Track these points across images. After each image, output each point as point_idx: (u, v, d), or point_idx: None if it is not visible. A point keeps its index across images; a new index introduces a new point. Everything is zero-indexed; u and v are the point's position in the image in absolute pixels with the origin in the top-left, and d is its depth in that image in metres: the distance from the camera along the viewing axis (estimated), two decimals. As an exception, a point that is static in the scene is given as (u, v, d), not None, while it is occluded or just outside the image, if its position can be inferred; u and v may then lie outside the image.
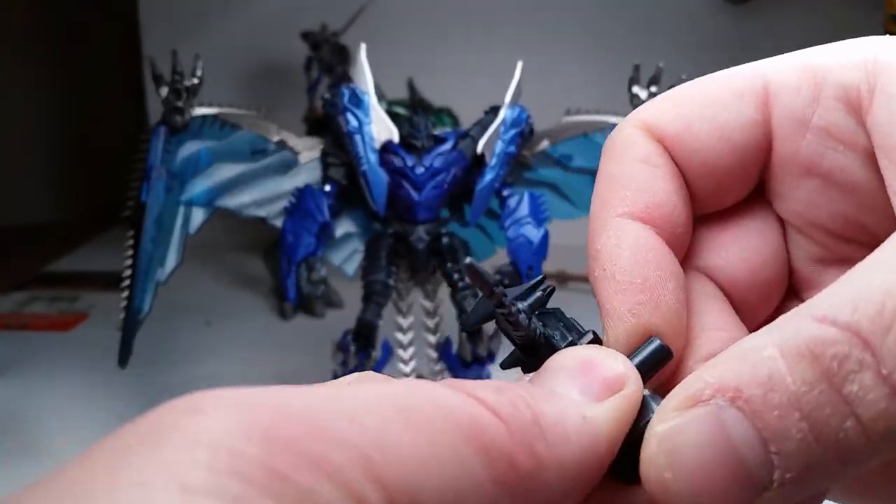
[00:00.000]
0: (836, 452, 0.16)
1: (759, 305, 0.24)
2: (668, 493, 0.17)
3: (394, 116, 0.65)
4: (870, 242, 0.21)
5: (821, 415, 0.16)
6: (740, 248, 0.24)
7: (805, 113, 0.22)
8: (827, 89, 0.22)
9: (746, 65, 0.24)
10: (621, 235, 0.22)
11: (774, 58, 0.24)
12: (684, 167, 0.23)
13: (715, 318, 0.23)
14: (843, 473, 0.17)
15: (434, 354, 0.68)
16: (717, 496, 0.17)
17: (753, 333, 0.18)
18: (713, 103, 0.23)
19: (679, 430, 0.17)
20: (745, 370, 0.17)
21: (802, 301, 0.20)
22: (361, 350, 0.64)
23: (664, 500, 0.17)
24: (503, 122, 0.63)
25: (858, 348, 0.16)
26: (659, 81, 0.66)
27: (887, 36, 0.22)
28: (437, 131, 0.64)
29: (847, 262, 0.20)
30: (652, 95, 0.66)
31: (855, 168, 0.22)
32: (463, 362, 0.65)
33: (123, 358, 0.60)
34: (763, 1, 1.11)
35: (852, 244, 0.23)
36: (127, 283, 0.62)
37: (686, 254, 0.24)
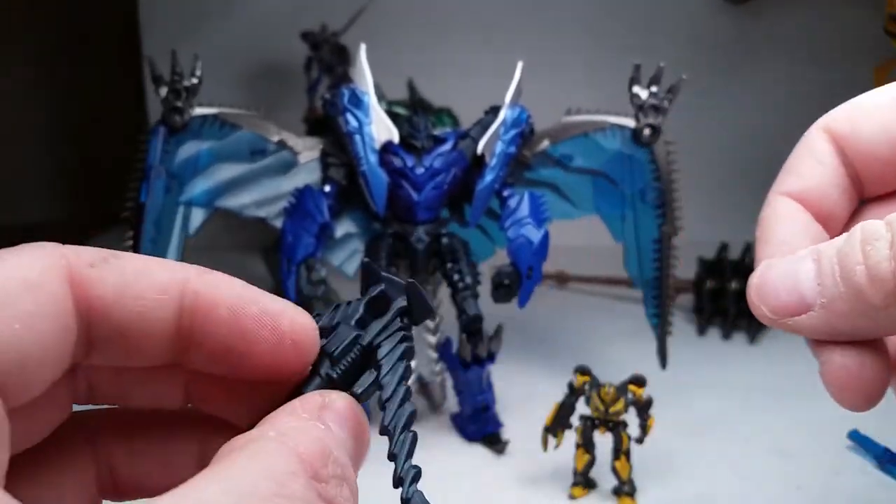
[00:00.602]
0: (850, 288, 0.24)
1: None
2: (751, 291, 0.27)
3: (394, 117, 0.65)
4: None
5: (845, 259, 0.25)
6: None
7: None
8: None
9: None
10: (777, 208, 0.30)
11: None
12: (854, 160, 0.30)
13: None
14: (857, 313, 0.25)
15: (434, 355, 0.68)
16: (775, 301, 0.26)
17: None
18: (879, 107, 0.30)
19: (772, 265, 0.27)
20: (823, 247, 0.26)
21: None
22: None
23: (750, 298, 0.27)
24: (503, 122, 0.63)
25: (886, 228, 0.24)
26: (659, 81, 0.66)
27: None
28: (437, 131, 0.64)
29: None
30: (652, 95, 0.66)
31: None
32: (462, 362, 0.65)
33: None
34: (763, 1, 1.11)
35: None
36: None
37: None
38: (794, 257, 0.27)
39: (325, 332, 0.24)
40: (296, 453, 0.20)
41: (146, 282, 0.22)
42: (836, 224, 0.30)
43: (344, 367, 0.23)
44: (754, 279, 0.27)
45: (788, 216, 0.30)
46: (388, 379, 0.23)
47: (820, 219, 0.30)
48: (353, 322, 0.24)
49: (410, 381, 0.68)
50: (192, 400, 0.25)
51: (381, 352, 0.23)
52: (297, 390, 0.23)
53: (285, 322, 0.22)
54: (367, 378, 0.23)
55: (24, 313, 0.19)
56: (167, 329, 0.22)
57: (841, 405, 0.27)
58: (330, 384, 0.23)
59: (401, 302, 0.24)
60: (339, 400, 0.22)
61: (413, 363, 0.68)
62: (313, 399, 0.22)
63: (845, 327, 0.25)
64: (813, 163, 0.30)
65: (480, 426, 0.66)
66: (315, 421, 0.21)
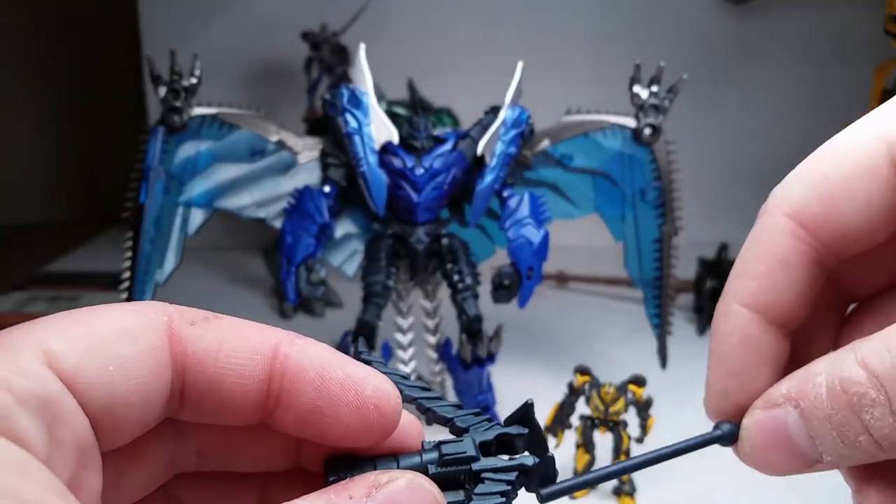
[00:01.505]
0: (857, 452, 0.23)
1: None
2: (754, 463, 0.25)
3: (393, 117, 0.65)
4: None
5: (843, 430, 0.23)
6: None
7: None
8: None
9: (866, 121, 0.26)
10: (735, 323, 0.27)
11: (890, 113, 0.26)
12: (829, 240, 0.26)
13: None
14: (870, 460, 0.23)
15: (434, 355, 0.68)
16: (780, 465, 0.25)
17: (818, 359, 0.24)
18: (849, 185, 0.25)
19: (759, 422, 0.25)
20: (803, 388, 0.24)
21: None
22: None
23: (752, 466, 0.26)
24: (503, 122, 0.63)
25: (875, 390, 0.22)
26: (660, 81, 0.66)
27: None
28: (437, 131, 0.64)
29: None
30: (653, 95, 0.66)
31: None
32: (462, 363, 0.65)
33: None
34: (763, 1, 1.11)
35: None
36: (126, 284, 0.62)
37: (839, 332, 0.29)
38: (774, 413, 0.25)
39: (454, 430, 0.25)
40: None
41: (241, 343, 0.23)
42: (796, 322, 0.27)
43: (443, 473, 0.24)
44: (745, 447, 0.26)
45: (743, 336, 0.26)
46: None
47: (779, 324, 0.26)
48: (479, 440, 0.25)
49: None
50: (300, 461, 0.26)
51: (480, 488, 0.24)
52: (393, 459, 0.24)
53: (369, 388, 0.23)
54: (452, 497, 0.24)
55: (120, 357, 0.21)
56: (258, 389, 0.23)
57: None
58: (424, 473, 0.24)
59: (528, 461, 0.25)
60: (399, 480, 0.23)
61: (413, 364, 0.67)
62: (367, 478, 0.23)
63: (857, 464, 0.24)
64: (774, 265, 0.26)
65: (480, 426, 0.66)
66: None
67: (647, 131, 0.66)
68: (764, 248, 0.26)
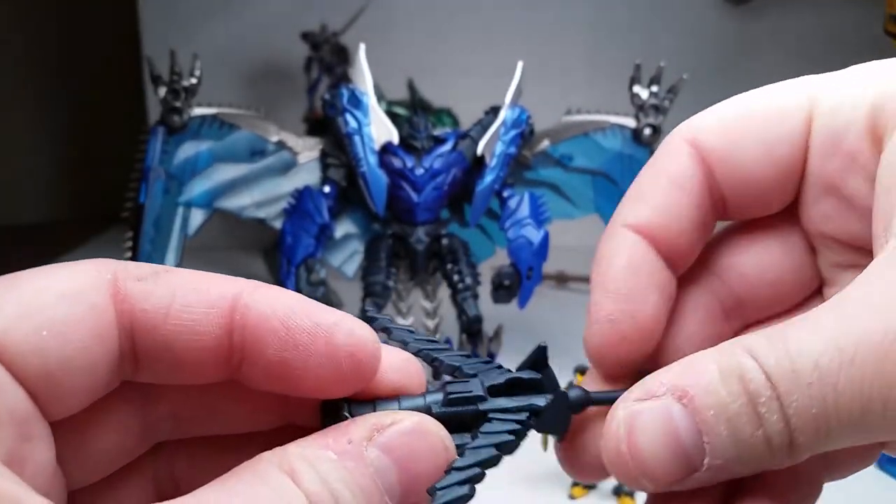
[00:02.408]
0: (748, 452, 0.21)
1: (774, 304, 0.27)
2: (622, 463, 0.21)
3: (393, 117, 0.65)
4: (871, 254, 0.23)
5: (739, 422, 0.20)
6: (759, 254, 0.26)
7: (838, 137, 0.24)
8: (859, 117, 0.23)
9: (796, 80, 0.25)
10: (621, 246, 0.25)
11: (825, 74, 0.25)
12: (725, 182, 0.25)
13: (698, 325, 0.26)
14: (749, 470, 0.21)
15: (434, 355, 0.68)
16: (659, 469, 0.21)
17: (705, 350, 0.22)
18: (761, 121, 0.25)
19: (636, 414, 0.21)
20: (692, 376, 0.21)
21: (824, 299, 0.25)
22: None
23: (618, 470, 0.22)
24: (503, 123, 0.63)
25: (768, 386, 0.20)
26: (660, 81, 0.66)
27: None
28: (437, 132, 0.64)
29: (858, 267, 0.23)
30: (653, 95, 0.66)
31: (868, 195, 0.24)
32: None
33: None
34: (763, 2, 1.11)
35: (860, 253, 0.25)
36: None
37: (705, 256, 0.27)
38: (656, 405, 0.21)
39: (462, 375, 0.24)
40: (295, 494, 0.19)
41: (195, 296, 0.21)
42: (683, 260, 0.26)
43: (448, 413, 0.23)
44: (621, 445, 0.22)
45: (629, 258, 0.25)
46: (473, 453, 0.22)
47: (667, 254, 0.25)
48: (487, 384, 0.23)
49: None
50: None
51: (487, 427, 0.23)
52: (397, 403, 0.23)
53: (340, 334, 0.21)
54: (458, 440, 0.22)
55: (53, 321, 0.20)
56: (216, 344, 0.21)
57: None
58: (428, 414, 0.22)
59: (539, 401, 0.23)
60: (404, 422, 0.21)
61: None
62: (368, 420, 0.21)
63: (733, 476, 0.22)
64: (668, 187, 0.25)
65: (480, 426, 0.66)
66: (347, 456, 0.20)
67: (648, 131, 0.66)
68: (660, 169, 0.25)
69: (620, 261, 0.25)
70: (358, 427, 0.21)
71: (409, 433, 0.21)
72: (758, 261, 0.27)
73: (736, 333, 0.27)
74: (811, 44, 1.11)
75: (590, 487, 0.59)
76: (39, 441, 0.20)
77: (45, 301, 0.20)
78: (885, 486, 0.60)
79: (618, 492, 0.58)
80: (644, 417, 0.21)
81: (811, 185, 0.25)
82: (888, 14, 0.82)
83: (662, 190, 0.25)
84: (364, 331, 0.22)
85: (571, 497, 0.59)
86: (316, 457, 0.20)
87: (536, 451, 0.60)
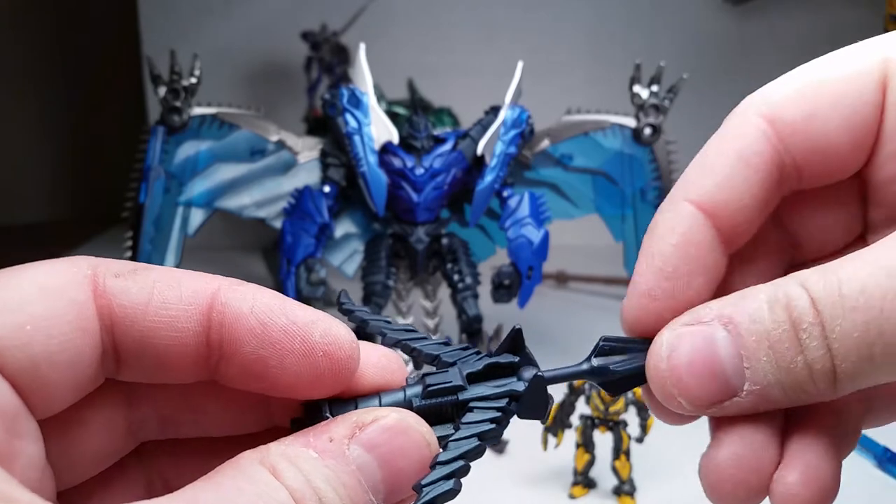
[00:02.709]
0: (788, 379, 0.21)
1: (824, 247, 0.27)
2: (660, 381, 0.22)
3: (393, 117, 0.65)
4: None
5: (781, 347, 0.21)
6: (820, 216, 0.26)
7: None
8: None
9: (866, 42, 0.24)
10: (678, 220, 0.24)
11: (894, 34, 0.24)
12: (801, 154, 0.24)
13: (756, 278, 0.26)
14: (791, 399, 0.21)
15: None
16: (696, 389, 0.22)
17: (759, 285, 0.22)
18: (838, 89, 0.24)
19: (681, 336, 0.22)
20: (740, 305, 0.22)
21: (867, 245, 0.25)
22: None
23: (657, 387, 0.22)
24: (503, 122, 0.63)
25: (813, 313, 0.21)
26: (660, 81, 0.66)
27: None
28: (437, 131, 0.64)
29: None
30: (653, 95, 0.66)
31: None
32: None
33: None
34: (763, 2, 1.11)
35: None
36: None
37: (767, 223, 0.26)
38: (701, 329, 0.22)
39: (440, 365, 0.24)
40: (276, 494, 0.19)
41: (173, 293, 0.21)
42: (740, 237, 0.25)
43: (428, 406, 0.23)
44: (661, 363, 0.22)
45: (683, 234, 0.24)
46: (456, 445, 0.22)
47: (725, 231, 0.24)
48: (466, 372, 0.23)
49: None
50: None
51: (468, 417, 0.22)
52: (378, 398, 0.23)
53: (316, 333, 0.21)
54: (441, 431, 0.22)
55: (36, 317, 0.20)
56: (195, 342, 0.21)
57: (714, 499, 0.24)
58: (409, 409, 0.22)
59: (518, 386, 0.23)
60: (385, 419, 0.21)
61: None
62: (349, 418, 0.21)
63: (775, 406, 0.22)
64: (736, 163, 0.24)
65: (480, 426, 0.66)
66: (328, 455, 0.20)
67: (648, 131, 0.66)
68: (728, 144, 0.24)
69: (673, 237, 0.24)
70: (339, 425, 0.21)
71: (391, 429, 0.21)
72: (819, 223, 0.27)
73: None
74: (811, 44, 1.11)
75: (589, 487, 0.59)
76: (28, 438, 0.20)
77: (26, 297, 0.20)
78: (886, 487, 0.60)
79: (618, 492, 0.58)
80: (687, 340, 0.22)
81: (885, 146, 0.24)
82: (888, 14, 0.82)
83: (730, 165, 0.24)
84: (340, 330, 0.22)
85: (571, 497, 0.59)
86: (297, 455, 0.20)
87: (536, 451, 0.60)
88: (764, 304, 0.21)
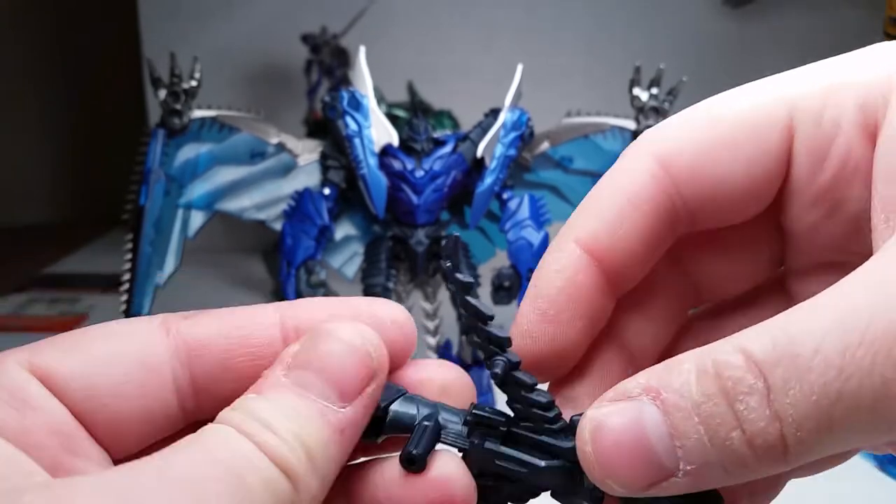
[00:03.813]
0: (726, 456, 0.19)
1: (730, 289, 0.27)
2: (588, 465, 0.21)
3: (393, 119, 0.65)
4: (861, 253, 0.22)
5: (713, 422, 0.19)
6: (724, 257, 0.26)
7: (825, 144, 0.23)
8: (848, 113, 0.22)
9: (768, 82, 0.24)
10: (564, 262, 0.24)
11: (798, 73, 0.24)
12: (694, 199, 0.24)
13: (615, 368, 0.26)
14: (737, 476, 0.20)
15: (434, 357, 0.68)
16: (626, 474, 0.20)
17: (684, 353, 0.20)
18: (736, 135, 0.23)
19: (606, 415, 0.20)
20: (666, 377, 0.20)
21: (789, 296, 0.25)
22: None
23: (588, 471, 0.21)
24: (503, 125, 0.63)
25: (753, 375, 0.19)
26: (660, 83, 0.66)
27: None
28: (437, 134, 0.64)
29: (833, 267, 0.23)
30: (653, 97, 0.66)
31: (863, 197, 0.22)
32: (463, 364, 0.65)
33: None
34: (763, 4, 1.11)
35: (839, 255, 0.24)
36: (126, 286, 0.62)
37: (669, 260, 0.26)
38: (627, 406, 0.20)
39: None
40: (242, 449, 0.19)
41: (243, 315, 0.23)
42: (628, 280, 0.25)
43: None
44: (586, 446, 0.21)
45: (569, 278, 0.24)
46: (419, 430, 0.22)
47: (611, 274, 0.24)
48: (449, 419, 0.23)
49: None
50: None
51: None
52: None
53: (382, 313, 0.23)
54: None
55: (102, 353, 0.21)
56: (271, 353, 0.22)
57: None
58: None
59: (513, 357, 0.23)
60: (312, 333, 0.22)
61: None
62: (283, 360, 0.21)
63: (721, 483, 0.20)
64: (624, 206, 0.23)
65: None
66: (265, 390, 0.21)
67: (647, 133, 0.66)
68: (617, 185, 0.24)
69: (558, 279, 0.24)
70: (273, 367, 0.21)
71: (319, 339, 0.21)
72: (721, 264, 0.26)
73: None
74: (811, 46, 1.11)
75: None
76: (90, 461, 0.20)
77: (95, 337, 0.21)
78: (885, 487, 0.60)
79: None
80: (613, 419, 0.20)
81: (796, 197, 0.24)
82: (888, 16, 0.82)
83: (618, 207, 0.24)
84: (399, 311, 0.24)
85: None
86: (237, 404, 0.20)
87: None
88: (691, 374, 0.20)
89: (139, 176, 0.62)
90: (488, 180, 0.62)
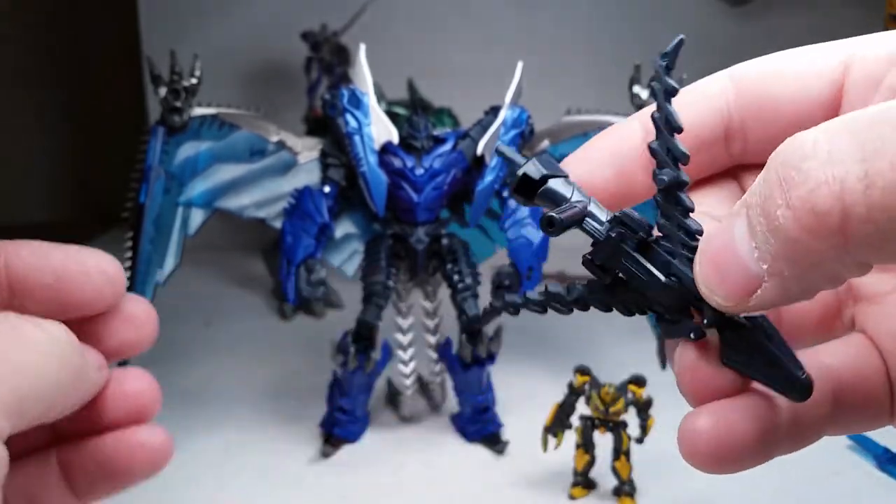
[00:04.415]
0: (780, 238, 0.19)
1: None
2: (698, 281, 0.22)
3: (394, 117, 0.65)
4: None
5: (767, 206, 0.19)
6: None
7: (879, 74, 0.24)
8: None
9: (831, 42, 0.26)
10: (625, 127, 0.29)
11: (854, 38, 0.26)
12: (753, 112, 0.26)
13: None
14: (804, 265, 0.20)
15: (434, 355, 0.68)
16: (723, 283, 0.21)
17: None
18: (794, 63, 0.26)
19: (713, 234, 0.22)
20: (751, 189, 0.21)
21: None
22: (361, 352, 0.63)
23: (700, 286, 0.22)
24: (503, 122, 0.63)
25: (806, 147, 0.19)
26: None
27: None
28: (437, 132, 0.64)
29: None
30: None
31: None
32: (462, 363, 0.65)
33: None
34: (763, 3, 1.11)
35: None
36: (126, 284, 0.62)
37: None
38: (727, 217, 0.22)
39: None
40: None
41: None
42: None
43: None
44: (697, 265, 0.22)
45: (627, 141, 0.28)
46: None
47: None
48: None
49: (411, 381, 0.68)
50: None
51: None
52: None
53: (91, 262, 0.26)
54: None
55: None
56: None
57: (691, 464, 0.23)
58: None
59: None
60: None
61: (413, 364, 0.68)
62: None
63: (805, 289, 0.21)
64: (701, 100, 0.26)
65: (480, 427, 0.66)
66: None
67: (647, 131, 0.66)
68: (694, 88, 0.27)
69: (618, 146, 0.29)
70: None
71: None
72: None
73: None
74: (811, 44, 1.11)
75: (590, 488, 0.59)
76: None
77: None
78: (885, 486, 0.60)
79: (618, 492, 0.59)
80: (716, 233, 0.22)
81: (730, 144, 0.26)
82: (888, 14, 0.82)
83: (694, 101, 0.27)
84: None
85: (571, 498, 0.59)
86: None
87: (536, 451, 0.60)
88: (761, 175, 0.20)
89: (139, 174, 0.62)
90: (489, 178, 0.62)
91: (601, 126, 0.67)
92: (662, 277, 0.24)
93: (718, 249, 0.21)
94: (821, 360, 0.25)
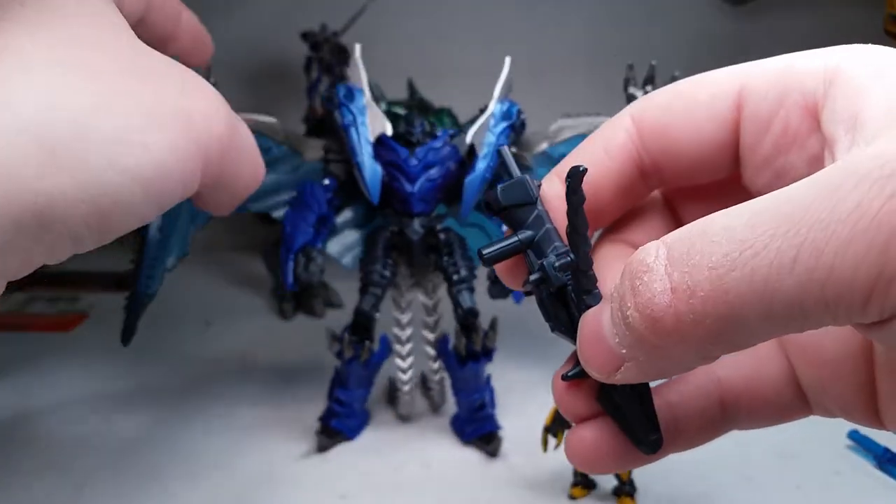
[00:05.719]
0: (631, 333, 0.22)
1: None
2: (578, 349, 0.25)
3: (394, 117, 0.65)
4: None
5: (620, 303, 0.22)
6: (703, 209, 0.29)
7: (769, 115, 0.26)
8: (793, 95, 0.26)
9: (729, 68, 0.28)
10: (555, 191, 0.30)
11: (755, 63, 0.28)
12: (656, 150, 0.28)
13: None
14: (654, 358, 0.22)
15: (432, 352, 0.68)
16: (591, 358, 0.24)
17: None
18: (690, 101, 0.28)
19: (588, 313, 0.24)
20: (615, 285, 0.23)
21: None
22: (357, 342, 0.64)
23: (579, 355, 0.25)
24: (493, 114, 0.63)
25: (655, 251, 0.21)
26: (654, 80, 0.66)
27: (853, 45, 0.25)
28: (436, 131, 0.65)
29: None
30: (647, 94, 0.66)
31: (802, 166, 0.26)
32: (458, 357, 0.64)
33: (126, 337, 0.60)
34: (762, 2, 1.11)
35: None
36: (133, 273, 0.62)
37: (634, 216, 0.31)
38: (602, 302, 0.24)
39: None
40: None
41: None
42: (601, 218, 0.30)
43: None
44: (577, 336, 0.25)
45: (558, 200, 0.29)
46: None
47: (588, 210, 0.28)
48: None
49: (408, 379, 0.68)
50: None
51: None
52: None
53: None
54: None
55: None
56: None
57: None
58: None
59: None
60: None
61: (411, 359, 0.67)
62: None
63: (661, 372, 0.23)
64: (600, 152, 0.29)
65: (477, 426, 0.65)
66: None
67: (646, 131, 0.66)
68: (598, 136, 0.30)
69: (555, 202, 0.29)
70: None
71: None
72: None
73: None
74: (811, 44, 1.10)
75: (590, 488, 0.59)
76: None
77: None
78: (886, 487, 0.60)
79: (618, 492, 0.59)
80: (590, 317, 0.24)
81: (747, 161, 0.28)
82: (888, 14, 0.82)
83: (594, 153, 0.29)
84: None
85: (571, 497, 0.59)
86: None
87: (536, 451, 0.60)
88: (620, 276, 0.22)
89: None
90: (480, 166, 0.62)
91: (599, 127, 0.67)
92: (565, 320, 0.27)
93: (591, 329, 0.24)
94: (714, 371, 0.28)
